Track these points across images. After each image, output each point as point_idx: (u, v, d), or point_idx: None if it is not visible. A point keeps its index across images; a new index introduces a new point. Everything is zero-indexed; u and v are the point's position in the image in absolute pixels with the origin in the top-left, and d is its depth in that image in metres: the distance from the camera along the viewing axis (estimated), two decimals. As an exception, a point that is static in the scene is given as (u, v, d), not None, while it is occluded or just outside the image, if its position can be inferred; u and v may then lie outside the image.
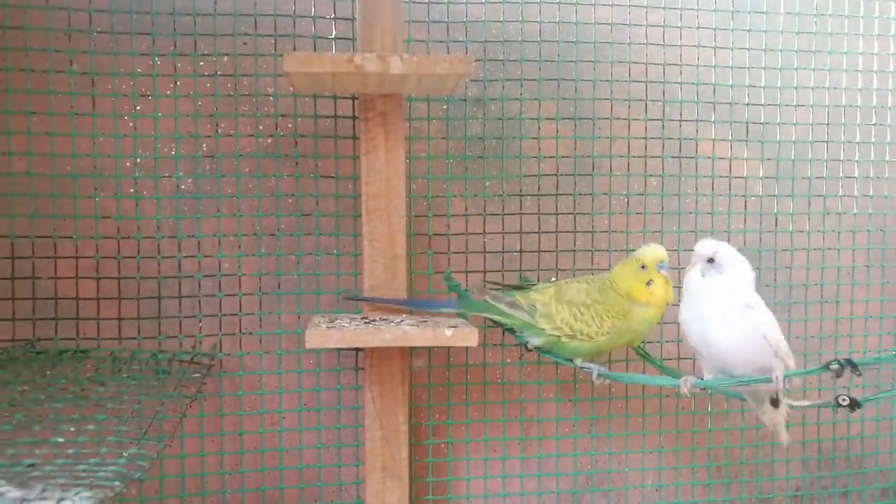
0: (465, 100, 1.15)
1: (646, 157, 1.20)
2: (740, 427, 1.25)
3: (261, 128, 1.11)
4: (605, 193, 1.20)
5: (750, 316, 0.92)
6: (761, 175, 1.24)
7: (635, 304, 0.97)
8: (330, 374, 1.14)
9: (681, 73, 1.20)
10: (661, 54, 1.19)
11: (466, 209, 1.17)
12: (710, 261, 0.95)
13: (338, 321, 0.98)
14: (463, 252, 1.16)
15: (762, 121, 1.23)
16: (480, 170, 1.17)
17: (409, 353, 1.07)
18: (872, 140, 1.27)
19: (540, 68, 1.17)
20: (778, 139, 1.24)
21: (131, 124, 1.08)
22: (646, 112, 1.20)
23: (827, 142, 1.25)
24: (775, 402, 1.00)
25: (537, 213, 1.18)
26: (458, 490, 1.19)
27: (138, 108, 1.08)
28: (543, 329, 0.98)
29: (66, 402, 0.85)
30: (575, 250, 1.19)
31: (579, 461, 1.22)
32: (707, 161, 1.22)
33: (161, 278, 1.10)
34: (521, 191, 1.18)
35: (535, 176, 1.18)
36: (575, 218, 1.19)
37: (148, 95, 1.08)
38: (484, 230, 1.17)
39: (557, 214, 1.19)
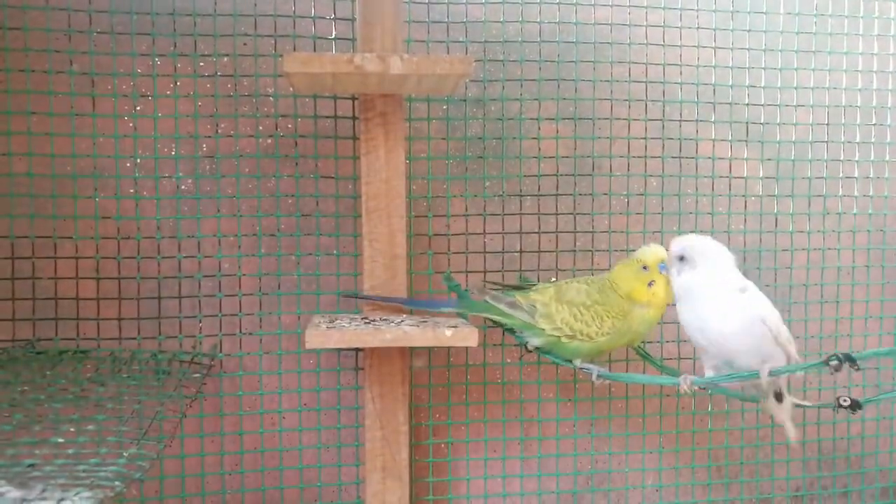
0: (465, 100, 1.15)
1: (646, 157, 1.20)
2: (740, 427, 1.25)
3: (261, 128, 1.11)
4: (605, 193, 1.20)
5: (744, 301, 0.91)
6: (761, 175, 1.24)
7: (636, 305, 0.97)
8: (330, 374, 1.14)
9: (681, 73, 1.20)
10: (661, 54, 1.19)
11: (466, 209, 1.17)
12: (682, 259, 0.95)
13: (338, 321, 0.98)
14: (463, 252, 1.16)
15: (762, 121, 1.23)
16: (480, 170, 1.17)
17: (409, 353, 1.07)
18: (872, 140, 1.27)
19: (540, 69, 1.17)
20: (778, 139, 1.24)
21: (131, 125, 1.08)
22: (646, 112, 1.20)
23: (827, 142, 1.25)
24: (779, 397, 0.99)
25: (537, 214, 1.18)
26: (459, 490, 1.19)
27: (138, 108, 1.08)
28: (543, 329, 0.98)
29: (66, 402, 0.85)
30: (575, 250, 1.19)
31: (579, 461, 1.22)
32: (707, 161, 1.22)
33: (161, 278, 1.10)
34: (521, 191, 1.18)
35: (535, 176, 1.18)
36: (575, 218, 1.19)
37: (148, 96, 1.08)
38: (484, 230, 1.17)
39: (557, 215, 1.19)
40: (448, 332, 0.92)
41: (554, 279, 1.15)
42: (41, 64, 1.05)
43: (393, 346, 0.94)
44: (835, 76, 1.25)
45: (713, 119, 1.22)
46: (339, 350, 1.14)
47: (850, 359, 0.85)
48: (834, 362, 0.85)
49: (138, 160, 1.08)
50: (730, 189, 1.23)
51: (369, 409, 1.04)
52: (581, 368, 1.01)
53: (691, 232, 1.21)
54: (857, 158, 1.27)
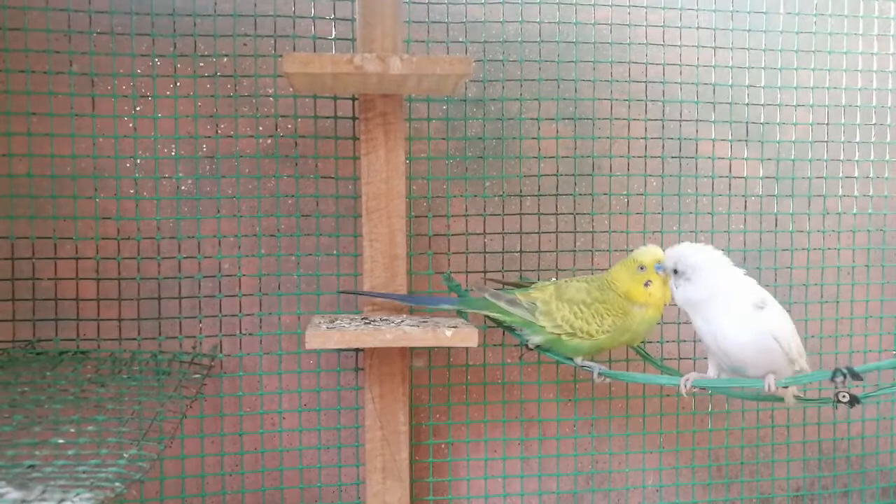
0: (465, 100, 1.15)
1: (646, 157, 1.20)
2: (740, 427, 1.25)
3: (261, 128, 1.11)
4: (605, 194, 1.20)
5: (760, 318, 0.91)
6: (761, 175, 1.24)
7: (634, 305, 0.97)
8: (330, 374, 1.14)
9: (681, 73, 1.20)
10: (661, 54, 1.19)
11: (466, 209, 1.17)
12: (676, 271, 0.95)
13: (338, 322, 0.98)
14: (463, 252, 1.16)
15: (762, 121, 1.23)
16: (480, 170, 1.17)
17: (409, 353, 1.07)
18: (872, 140, 1.27)
19: (540, 69, 1.17)
20: (778, 139, 1.24)
21: (131, 125, 1.08)
22: (646, 112, 1.20)
23: (827, 142, 1.25)
24: None
25: (537, 214, 1.18)
26: (459, 490, 1.19)
27: (138, 108, 1.08)
28: (544, 327, 0.98)
29: (66, 403, 0.85)
30: (575, 251, 1.19)
31: (580, 461, 1.22)
32: (707, 161, 1.22)
33: (161, 279, 1.10)
34: (521, 191, 1.18)
35: (535, 176, 1.18)
36: (575, 218, 1.19)
37: (148, 96, 1.08)
38: (484, 231, 1.17)
39: (557, 215, 1.19)
40: (448, 333, 0.91)
41: (554, 279, 1.15)
42: (41, 65, 1.05)
43: (393, 346, 0.94)
44: (835, 76, 1.25)
45: (713, 119, 1.21)
46: (340, 350, 1.14)
47: (854, 375, 0.86)
48: (839, 378, 0.86)
49: (138, 161, 1.08)
50: (730, 189, 1.23)
51: (369, 410, 1.04)
52: (582, 366, 1.01)
53: (691, 233, 1.21)
54: (857, 158, 1.27)
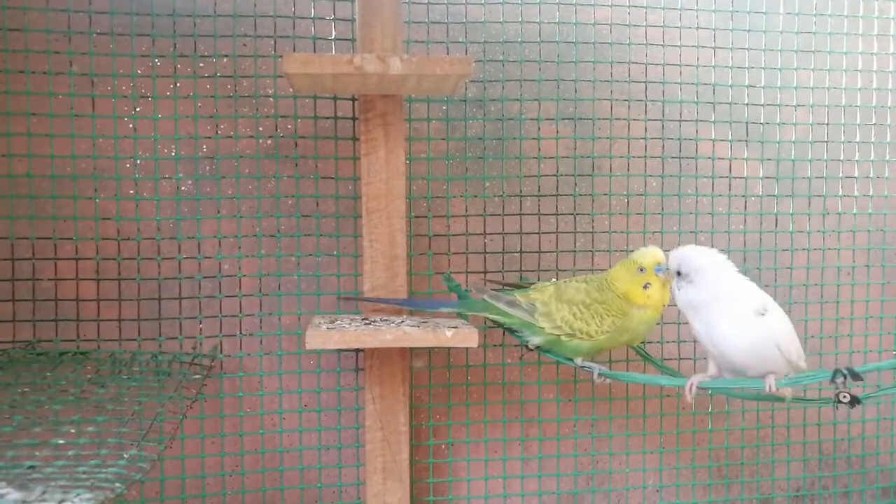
0: (465, 100, 1.15)
1: (646, 157, 1.20)
2: (740, 427, 1.25)
3: (261, 129, 1.11)
4: (605, 194, 1.20)
5: (760, 325, 0.91)
6: (761, 175, 1.24)
7: (633, 306, 0.97)
8: (330, 375, 1.14)
9: (681, 73, 1.20)
10: (661, 54, 1.19)
11: (466, 210, 1.17)
12: (679, 273, 0.95)
13: (338, 322, 0.98)
14: (463, 253, 1.16)
15: (762, 121, 1.23)
16: (480, 170, 1.17)
17: (409, 354, 1.07)
18: (872, 140, 1.27)
19: (540, 69, 1.17)
20: (778, 139, 1.24)
21: (131, 126, 1.08)
22: (646, 112, 1.20)
23: (827, 142, 1.25)
24: None
25: (537, 214, 1.18)
26: (459, 491, 1.19)
27: (138, 109, 1.08)
28: (543, 328, 0.98)
29: (66, 403, 0.85)
30: (575, 251, 1.19)
31: (580, 462, 1.22)
32: (707, 161, 1.22)
33: (161, 280, 1.10)
34: (521, 191, 1.18)
35: (536, 176, 1.18)
36: (575, 218, 1.19)
37: (148, 97, 1.08)
38: (484, 231, 1.17)
39: (557, 215, 1.19)
40: (448, 333, 0.91)
41: (554, 279, 1.15)
42: (41, 65, 1.05)
43: (393, 346, 0.94)
44: (835, 76, 1.25)
45: (713, 119, 1.21)
46: (340, 351, 1.14)
47: (854, 376, 0.86)
48: (839, 379, 0.86)
49: (138, 161, 1.08)
50: (730, 189, 1.23)
51: (370, 410, 1.04)
52: (582, 367, 1.01)
53: (691, 233, 1.21)
54: (857, 158, 1.27)
